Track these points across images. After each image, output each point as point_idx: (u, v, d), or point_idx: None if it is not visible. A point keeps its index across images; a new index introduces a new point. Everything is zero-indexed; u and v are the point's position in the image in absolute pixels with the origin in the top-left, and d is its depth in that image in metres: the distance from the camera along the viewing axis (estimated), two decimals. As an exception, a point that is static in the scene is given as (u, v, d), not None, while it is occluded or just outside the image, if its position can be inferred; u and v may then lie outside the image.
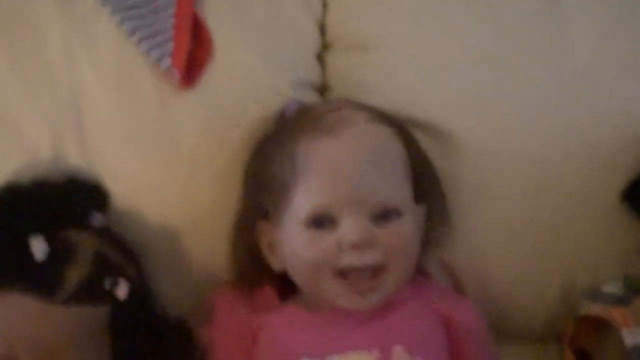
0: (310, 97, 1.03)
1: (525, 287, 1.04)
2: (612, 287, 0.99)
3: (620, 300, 0.98)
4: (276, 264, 0.95)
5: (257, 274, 0.97)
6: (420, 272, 1.00)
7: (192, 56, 0.99)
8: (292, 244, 0.92)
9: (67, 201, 0.92)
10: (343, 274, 0.90)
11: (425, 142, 1.00)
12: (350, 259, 0.89)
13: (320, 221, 0.90)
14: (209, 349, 0.95)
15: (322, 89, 1.06)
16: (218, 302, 0.98)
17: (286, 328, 0.94)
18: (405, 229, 0.92)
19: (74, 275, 0.87)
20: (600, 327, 0.98)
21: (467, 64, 1.02)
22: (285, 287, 0.97)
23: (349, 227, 0.89)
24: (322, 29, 1.07)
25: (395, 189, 0.92)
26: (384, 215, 0.90)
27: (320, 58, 1.07)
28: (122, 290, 0.89)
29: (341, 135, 0.91)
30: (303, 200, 0.91)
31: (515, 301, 1.04)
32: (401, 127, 0.97)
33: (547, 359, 1.05)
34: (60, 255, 0.88)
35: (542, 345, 1.07)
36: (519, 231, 1.01)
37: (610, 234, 1.00)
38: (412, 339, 0.93)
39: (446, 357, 0.95)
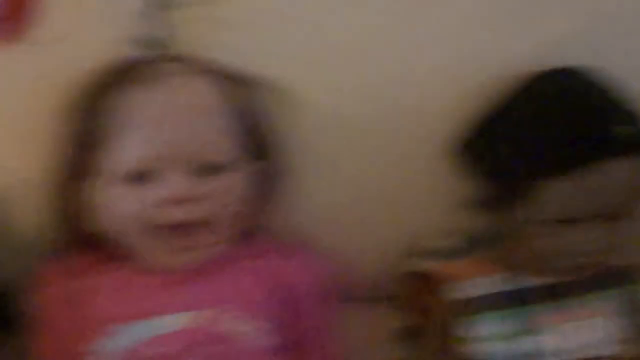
0: (148, 53, 0.98)
1: (367, 247, 1.03)
2: (445, 242, 1.00)
3: (453, 255, 0.99)
4: (94, 225, 0.92)
5: (82, 237, 0.94)
6: (258, 231, 0.99)
7: (15, 6, 0.93)
8: (111, 201, 0.89)
9: None
10: (165, 231, 0.88)
11: (264, 99, 0.97)
12: (171, 215, 0.87)
13: (140, 177, 0.87)
14: (34, 315, 0.92)
15: (162, 44, 1.02)
16: (43, 268, 0.94)
17: (109, 292, 0.91)
18: (232, 184, 0.90)
19: None
20: (436, 283, 0.98)
21: (310, 20, 0.99)
22: (113, 250, 0.94)
23: (169, 182, 0.87)
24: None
25: (222, 144, 0.90)
26: (207, 169, 0.88)
27: (161, 12, 1.03)
28: None
29: (163, 87, 0.89)
30: (123, 155, 0.88)
31: (357, 261, 1.03)
32: (232, 82, 0.94)
33: (388, 319, 1.04)
34: None
35: (385, 305, 1.05)
36: (358, 191, 1.01)
37: (443, 189, 0.99)
38: (242, 299, 0.91)
39: (280, 319, 0.93)
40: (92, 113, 0.90)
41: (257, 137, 0.94)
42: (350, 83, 0.98)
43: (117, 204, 0.88)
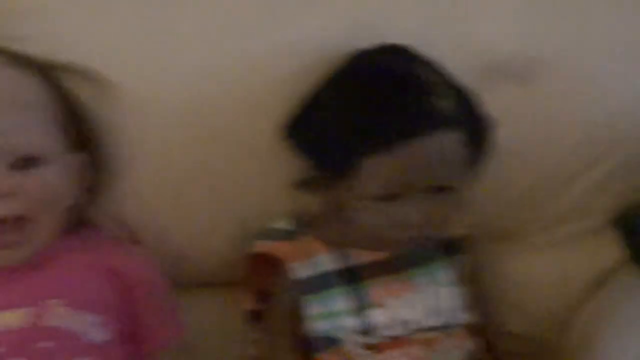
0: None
1: (202, 233, 1.02)
2: (280, 224, 1.00)
3: (288, 236, 0.99)
4: None
5: None
6: (88, 225, 0.97)
7: None
8: None
9: None
10: None
11: (83, 89, 0.95)
12: None
13: None
14: None
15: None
16: None
17: None
18: (51, 177, 0.88)
19: None
20: (273, 264, 0.98)
21: (128, 8, 0.98)
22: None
23: None
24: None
25: (37, 135, 0.88)
26: (24, 163, 0.86)
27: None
28: None
29: None
30: None
31: (194, 248, 1.03)
32: (48, 73, 0.92)
33: (229, 303, 1.05)
34: None
35: (226, 290, 1.06)
36: (189, 178, 1.00)
37: (274, 172, 0.99)
38: (74, 293, 0.90)
39: (115, 311, 0.92)
40: None
41: (76, 127, 0.92)
42: (170, 68, 0.97)
43: None
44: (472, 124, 0.92)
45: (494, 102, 0.96)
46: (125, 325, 0.93)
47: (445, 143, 0.89)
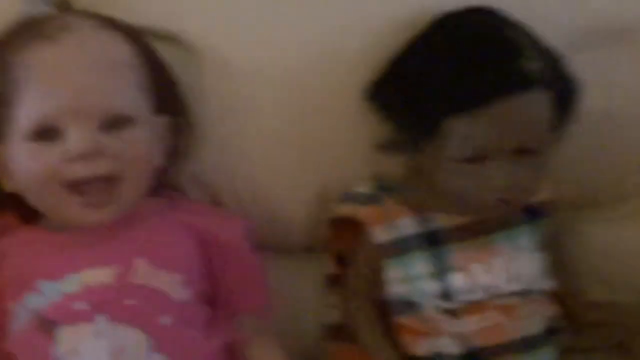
0: (48, 9, 0.98)
1: (287, 197, 1.03)
2: (362, 188, 1.00)
3: (370, 200, 0.99)
4: (9, 185, 0.91)
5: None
6: (172, 186, 0.98)
7: None
8: (19, 160, 0.88)
9: None
10: (75, 187, 0.87)
11: (171, 54, 0.97)
12: (78, 170, 0.86)
13: (45, 133, 0.86)
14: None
15: (63, 4, 1.00)
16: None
17: (25, 251, 0.91)
18: (139, 138, 0.89)
19: None
20: (356, 228, 0.98)
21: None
22: (30, 209, 0.93)
23: (75, 137, 0.85)
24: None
25: (126, 96, 0.89)
26: (114, 123, 0.87)
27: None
28: None
29: (62, 41, 0.87)
30: (25, 112, 0.86)
31: (278, 211, 1.03)
32: (137, 36, 0.93)
33: (312, 268, 1.05)
34: None
35: (308, 254, 1.06)
36: (274, 141, 1.00)
37: (357, 135, 0.99)
38: (157, 252, 0.91)
39: (200, 272, 0.93)
40: None
41: (163, 91, 0.93)
42: (254, 32, 0.98)
43: (25, 163, 0.87)
44: (560, 87, 0.90)
45: (586, 65, 0.95)
46: (209, 287, 0.94)
47: (533, 105, 0.88)
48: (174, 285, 0.90)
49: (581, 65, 0.94)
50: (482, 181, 0.90)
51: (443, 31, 0.92)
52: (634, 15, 1.00)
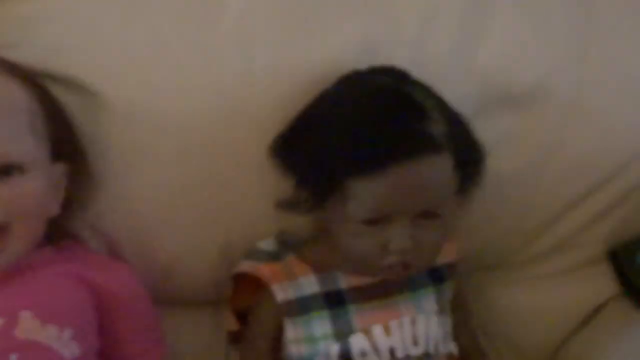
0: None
1: (187, 250, 1.00)
2: (265, 244, 0.98)
3: (271, 257, 0.97)
4: None
5: None
6: (69, 237, 0.95)
7: None
8: None
9: None
10: None
11: (71, 100, 0.94)
12: None
13: None
14: None
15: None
16: None
17: None
18: (32, 186, 0.86)
19: None
20: (257, 285, 0.96)
21: (118, 20, 0.96)
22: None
23: None
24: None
25: (20, 143, 0.86)
26: (4, 170, 0.84)
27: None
28: None
29: None
30: None
31: (178, 265, 1.01)
32: (34, 82, 0.91)
33: (210, 323, 1.03)
34: None
35: (210, 309, 1.04)
36: (176, 193, 0.97)
37: (262, 191, 0.97)
38: (45, 305, 0.87)
39: (92, 326, 0.90)
40: None
41: (59, 137, 0.91)
42: (160, 81, 0.95)
43: None
44: (464, 150, 0.90)
45: (488, 129, 0.95)
46: (103, 342, 0.91)
47: (435, 168, 0.87)
48: (62, 340, 0.87)
49: (486, 129, 0.93)
50: (382, 243, 0.88)
51: (349, 89, 0.91)
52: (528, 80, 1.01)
